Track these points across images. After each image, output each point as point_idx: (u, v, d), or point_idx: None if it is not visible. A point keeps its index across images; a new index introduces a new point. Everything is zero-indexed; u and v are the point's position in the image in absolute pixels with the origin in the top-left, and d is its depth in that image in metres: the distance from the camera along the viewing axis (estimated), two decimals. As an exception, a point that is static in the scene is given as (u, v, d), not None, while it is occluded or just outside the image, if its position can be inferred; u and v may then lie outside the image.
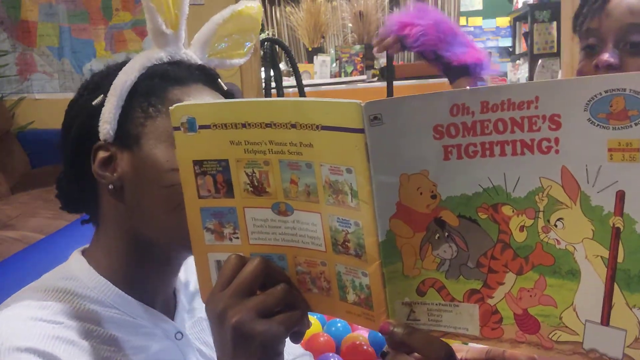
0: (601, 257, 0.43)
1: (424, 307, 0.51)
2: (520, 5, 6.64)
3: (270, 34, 5.99)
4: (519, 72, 6.61)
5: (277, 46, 3.30)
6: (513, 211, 0.45)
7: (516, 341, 0.47)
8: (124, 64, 0.73)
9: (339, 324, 1.53)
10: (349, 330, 1.58)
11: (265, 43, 3.11)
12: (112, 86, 0.70)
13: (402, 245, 0.49)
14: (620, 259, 0.42)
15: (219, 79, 0.77)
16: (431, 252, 0.48)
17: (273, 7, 7.10)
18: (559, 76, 4.51)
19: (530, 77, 5.97)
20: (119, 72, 0.71)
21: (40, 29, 3.24)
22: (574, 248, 0.44)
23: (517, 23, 6.84)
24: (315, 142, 0.49)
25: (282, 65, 3.96)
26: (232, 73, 2.80)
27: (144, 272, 0.72)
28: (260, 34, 4.21)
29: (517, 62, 6.79)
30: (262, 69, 3.03)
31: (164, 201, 0.67)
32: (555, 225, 0.44)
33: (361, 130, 0.45)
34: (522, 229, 0.45)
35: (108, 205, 0.71)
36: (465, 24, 7.32)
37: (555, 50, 5.50)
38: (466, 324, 0.49)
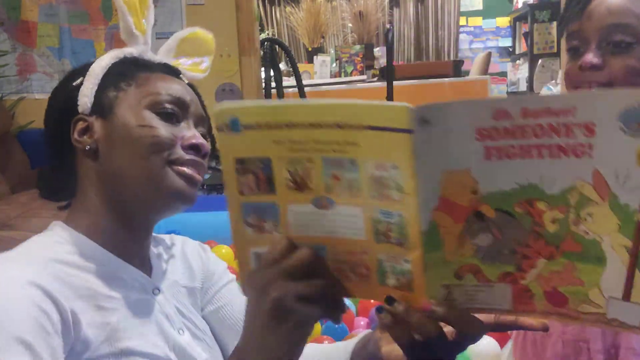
0: (625, 246, 0.48)
1: (461, 288, 0.55)
2: (520, 5, 6.64)
3: (270, 34, 5.99)
4: (519, 72, 6.61)
5: (277, 46, 3.30)
6: (547, 206, 0.49)
7: (546, 312, 0.54)
8: (99, 55, 0.86)
9: (336, 326, 1.53)
10: (347, 332, 1.58)
11: (265, 43, 3.11)
12: (89, 70, 0.83)
13: (444, 235, 0.53)
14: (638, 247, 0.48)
15: (181, 75, 0.87)
16: (470, 241, 0.53)
17: (273, 7, 7.10)
18: (559, 76, 4.51)
19: (530, 77, 5.97)
20: (96, 61, 0.84)
21: (41, 30, 3.24)
22: (601, 239, 0.49)
23: (517, 23, 6.84)
24: (360, 140, 0.52)
25: (282, 65, 3.96)
26: (232, 73, 2.80)
27: (120, 231, 0.79)
28: (260, 34, 4.22)
29: (517, 62, 6.78)
30: (262, 69, 3.03)
31: (132, 152, 0.76)
32: (585, 219, 0.49)
33: (409, 131, 0.49)
34: (554, 221, 0.50)
35: (85, 169, 0.80)
36: (465, 24, 7.32)
37: (555, 50, 5.50)
38: (500, 300, 0.55)
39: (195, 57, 0.94)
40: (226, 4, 2.72)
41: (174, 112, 0.79)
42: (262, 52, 3.03)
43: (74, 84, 0.82)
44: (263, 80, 3.02)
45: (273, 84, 3.18)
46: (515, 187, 0.49)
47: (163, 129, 0.78)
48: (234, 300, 0.92)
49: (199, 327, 0.85)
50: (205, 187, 2.54)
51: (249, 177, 0.57)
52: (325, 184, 0.55)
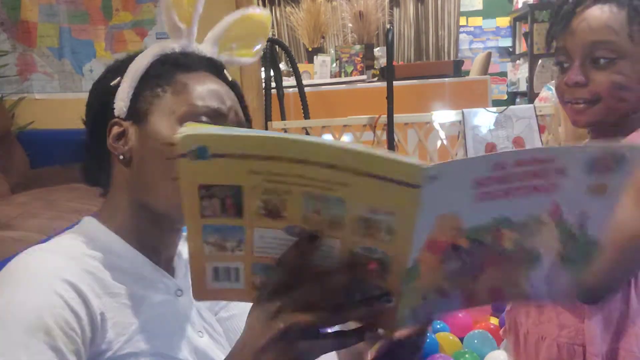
0: (557, 250, 0.59)
1: (424, 306, 0.59)
2: (520, 5, 6.63)
3: (270, 34, 5.98)
4: (519, 72, 6.61)
5: (277, 46, 3.30)
6: (510, 231, 0.56)
7: (485, 301, 0.63)
8: (139, 51, 0.82)
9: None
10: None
11: (266, 43, 3.11)
12: (128, 69, 0.79)
13: (423, 267, 0.55)
14: (566, 250, 0.59)
15: (225, 70, 0.84)
16: (442, 267, 0.56)
17: (273, 7, 7.11)
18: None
19: (530, 77, 5.97)
20: (136, 59, 0.80)
21: (41, 30, 3.24)
22: (542, 246, 0.59)
23: (517, 23, 6.84)
24: (353, 183, 0.50)
25: (282, 65, 3.96)
26: (231, 73, 2.80)
27: (149, 233, 0.79)
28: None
29: (517, 62, 6.78)
30: (262, 69, 3.03)
31: (164, 171, 0.74)
32: (534, 235, 0.57)
33: (417, 186, 0.49)
34: (511, 240, 0.57)
35: (119, 173, 0.79)
36: (465, 24, 7.32)
37: (555, 50, 5.50)
38: (452, 305, 0.61)
39: (247, 40, 0.90)
40: (226, 4, 2.72)
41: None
42: (262, 52, 3.03)
43: (112, 83, 0.80)
44: (263, 80, 3.02)
45: (273, 84, 3.18)
46: (490, 221, 0.55)
47: None
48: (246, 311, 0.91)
49: (216, 330, 0.85)
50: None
51: (214, 201, 0.53)
52: (303, 216, 0.53)
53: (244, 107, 0.84)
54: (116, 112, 0.78)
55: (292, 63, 3.36)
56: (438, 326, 1.96)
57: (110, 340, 0.69)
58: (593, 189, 0.55)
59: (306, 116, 3.22)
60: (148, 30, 2.93)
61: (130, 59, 0.81)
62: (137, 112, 0.77)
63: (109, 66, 0.84)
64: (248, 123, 0.83)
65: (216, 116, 0.77)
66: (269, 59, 3.08)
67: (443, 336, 1.95)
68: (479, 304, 0.64)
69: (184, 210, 0.54)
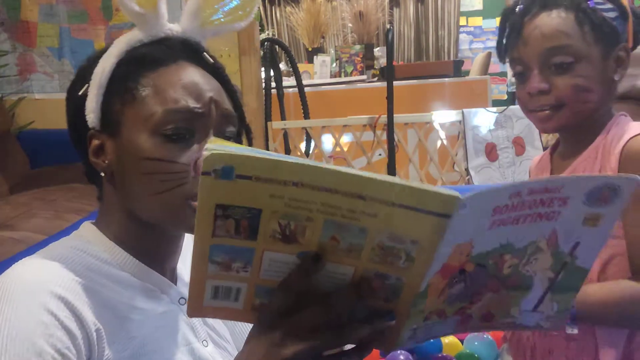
0: (549, 278, 0.61)
1: (424, 327, 0.60)
2: (520, 5, 6.64)
3: (270, 34, 5.98)
4: (519, 72, 6.61)
5: (277, 46, 3.30)
6: (510, 257, 0.58)
7: (477, 327, 0.65)
8: (105, 47, 0.74)
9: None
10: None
11: (265, 43, 3.11)
12: (93, 75, 0.72)
13: (431, 290, 0.56)
14: (557, 278, 0.61)
15: (205, 53, 0.76)
16: (447, 291, 0.57)
17: (273, 7, 7.10)
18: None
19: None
20: (100, 61, 0.72)
21: (40, 30, 3.23)
22: (535, 273, 0.61)
23: (517, 23, 6.84)
24: (382, 214, 0.49)
25: (282, 65, 3.96)
26: (231, 74, 2.79)
27: (147, 241, 0.75)
28: (260, 34, 4.21)
29: (517, 62, 6.79)
30: (262, 69, 3.03)
31: (145, 187, 0.69)
32: (531, 262, 0.60)
33: (448, 216, 0.49)
34: (510, 266, 0.59)
35: (106, 186, 0.75)
36: (465, 24, 7.31)
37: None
38: (448, 329, 0.62)
39: (233, 3, 0.79)
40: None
41: (186, 130, 0.70)
42: (262, 52, 3.03)
43: (80, 93, 0.73)
44: (263, 80, 3.02)
45: (273, 84, 3.17)
46: (497, 247, 0.57)
47: (174, 160, 0.68)
48: None
49: (221, 334, 0.81)
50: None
51: (229, 222, 0.51)
52: (319, 243, 0.52)
53: (232, 92, 0.76)
54: (90, 125, 0.72)
55: (292, 63, 3.36)
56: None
57: (110, 358, 0.66)
58: (589, 218, 0.58)
59: (306, 116, 3.22)
60: (148, 30, 2.93)
61: (94, 61, 0.73)
62: (110, 124, 0.71)
63: (76, 73, 0.77)
64: (239, 111, 0.77)
65: (193, 118, 0.70)
66: (269, 59, 3.08)
67: (444, 337, 1.95)
68: (471, 330, 0.64)
69: (196, 226, 0.51)
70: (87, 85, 0.72)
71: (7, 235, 2.03)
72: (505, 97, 6.94)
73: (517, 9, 1.01)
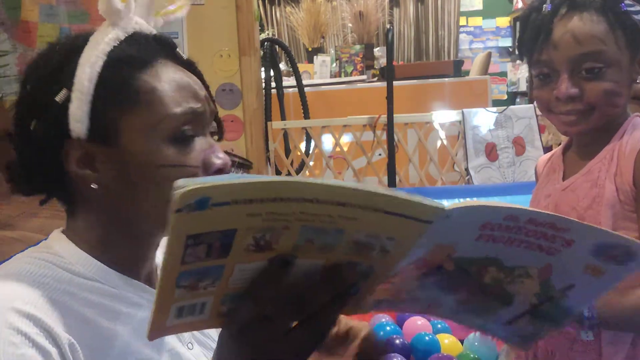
0: (531, 303, 0.61)
1: (389, 301, 0.62)
2: (520, 5, 6.63)
3: (270, 34, 5.98)
4: (519, 72, 6.61)
5: (277, 46, 3.30)
6: (496, 271, 0.58)
7: (445, 317, 0.66)
8: (74, 46, 0.69)
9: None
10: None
11: (265, 43, 3.11)
12: (76, 79, 0.66)
13: (402, 274, 0.56)
14: (540, 307, 0.61)
15: (177, 49, 0.74)
16: (420, 278, 0.58)
17: (273, 7, 7.10)
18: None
19: (530, 77, 5.96)
20: (80, 63, 0.67)
21: (41, 30, 3.23)
22: (519, 293, 0.60)
23: (517, 23, 6.83)
24: (362, 218, 0.49)
25: (282, 65, 3.96)
26: (232, 73, 2.80)
27: (125, 248, 0.72)
28: (260, 34, 4.21)
29: (517, 62, 6.78)
30: (262, 69, 3.03)
31: (159, 195, 0.66)
32: (516, 283, 0.59)
33: (430, 222, 0.50)
34: (492, 279, 0.59)
35: (87, 198, 0.70)
36: (465, 24, 7.31)
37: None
38: (415, 309, 0.67)
39: None
40: (226, 4, 2.71)
41: (191, 131, 0.69)
42: (262, 52, 3.03)
43: (58, 99, 0.66)
44: (263, 80, 3.02)
45: (273, 84, 3.18)
46: (482, 258, 0.56)
47: (185, 164, 0.67)
48: None
49: (207, 334, 0.80)
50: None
51: (200, 248, 0.48)
52: (293, 246, 0.51)
53: (207, 86, 0.75)
54: (74, 134, 0.66)
55: (292, 63, 3.36)
56: (439, 326, 1.96)
57: None
58: (591, 268, 0.56)
59: (306, 116, 3.22)
60: (148, 30, 2.93)
61: (66, 62, 0.68)
62: (104, 133, 0.66)
63: (38, 72, 0.70)
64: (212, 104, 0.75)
65: (197, 118, 0.69)
66: (269, 59, 3.08)
67: (443, 337, 1.95)
68: (435, 316, 0.65)
69: (164, 259, 0.49)
70: (66, 90, 0.66)
71: (7, 235, 2.03)
72: (505, 97, 6.94)
73: (543, 8, 0.98)
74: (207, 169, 0.69)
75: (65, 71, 0.67)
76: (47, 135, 0.68)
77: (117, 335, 0.67)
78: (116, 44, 0.68)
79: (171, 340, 0.73)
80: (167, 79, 0.69)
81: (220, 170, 0.70)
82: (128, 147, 0.67)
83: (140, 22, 0.72)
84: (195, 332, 0.78)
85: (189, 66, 0.74)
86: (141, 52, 0.69)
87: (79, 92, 0.66)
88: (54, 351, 0.60)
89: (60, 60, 0.69)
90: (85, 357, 0.63)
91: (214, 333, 0.82)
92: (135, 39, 0.70)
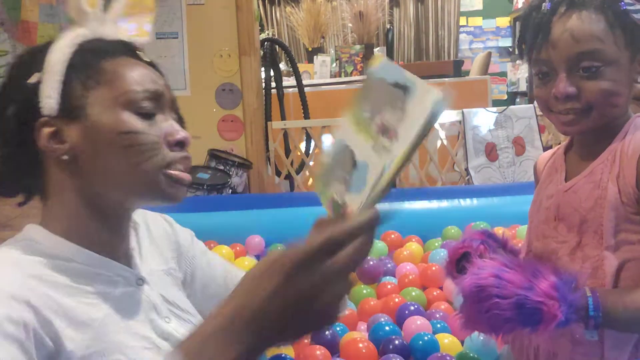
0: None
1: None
2: (520, 5, 6.63)
3: (270, 34, 5.99)
4: (519, 72, 6.61)
5: (277, 46, 3.30)
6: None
7: None
8: (47, 44, 0.77)
9: (338, 328, 1.53)
10: (347, 330, 1.58)
11: (265, 43, 3.12)
12: (46, 64, 0.74)
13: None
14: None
15: (139, 51, 0.81)
16: None
17: (273, 7, 7.10)
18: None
19: (530, 77, 5.96)
20: (50, 50, 0.75)
21: (41, 30, 3.23)
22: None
23: (517, 23, 6.83)
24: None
25: (282, 65, 3.96)
26: (232, 73, 2.80)
27: (101, 228, 0.77)
28: (260, 34, 4.21)
29: (517, 62, 6.78)
30: (262, 69, 3.03)
31: (124, 160, 0.73)
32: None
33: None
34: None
35: (60, 175, 0.76)
36: (465, 24, 7.31)
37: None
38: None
39: (138, 18, 0.83)
40: (226, 4, 2.71)
41: (152, 109, 0.76)
42: (262, 52, 3.03)
43: (29, 82, 0.74)
44: (263, 80, 3.02)
45: (273, 84, 3.18)
46: None
47: (147, 132, 0.74)
48: (211, 272, 0.95)
49: (183, 308, 0.85)
50: (205, 187, 2.54)
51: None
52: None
53: (168, 85, 0.82)
54: (45, 112, 0.73)
55: (292, 63, 3.36)
56: (438, 326, 1.96)
57: (71, 351, 0.67)
58: None
59: (306, 116, 3.22)
60: (148, 30, 2.93)
61: (39, 52, 0.76)
62: (71, 109, 0.74)
63: (13, 64, 0.78)
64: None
65: (156, 98, 0.76)
66: (269, 59, 3.09)
67: (442, 337, 1.95)
68: None
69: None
70: (37, 73, 0.74)
71: (7, 235, 2.03)
72: (505, 97, 6.94)
73: (542, 7, 0.98)
74: (169, 141, 0.76)
75: (37, 59, 0.75)
76: (20, 116, 0.74)
77: (96, 309, 0.72)
78: (85, 39, 0.77)
79: (149, 313, 0.78)
80: (129, 67, 0.77)
81: (182, 143, 0.76)
82: (94, 119, 0.73)
83: (107, 30, 0.80)
84: (172, 308, 0.82)
85: (152, 66, 0.81)
86: (107, 46, 0.77)
87: (50, 73, 0.73)
88: (35, 324, 0.65)
89: (33, 54, 0.77)
90: (66, 339, 0.67)
91: (191, 308, 0.87)
92: (103, 39, 0.78)
